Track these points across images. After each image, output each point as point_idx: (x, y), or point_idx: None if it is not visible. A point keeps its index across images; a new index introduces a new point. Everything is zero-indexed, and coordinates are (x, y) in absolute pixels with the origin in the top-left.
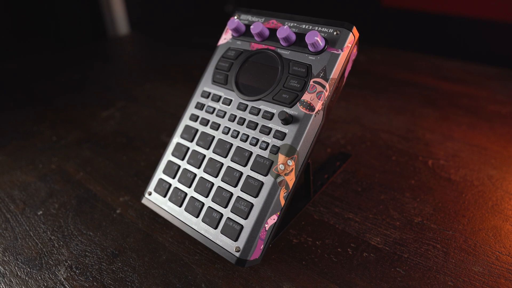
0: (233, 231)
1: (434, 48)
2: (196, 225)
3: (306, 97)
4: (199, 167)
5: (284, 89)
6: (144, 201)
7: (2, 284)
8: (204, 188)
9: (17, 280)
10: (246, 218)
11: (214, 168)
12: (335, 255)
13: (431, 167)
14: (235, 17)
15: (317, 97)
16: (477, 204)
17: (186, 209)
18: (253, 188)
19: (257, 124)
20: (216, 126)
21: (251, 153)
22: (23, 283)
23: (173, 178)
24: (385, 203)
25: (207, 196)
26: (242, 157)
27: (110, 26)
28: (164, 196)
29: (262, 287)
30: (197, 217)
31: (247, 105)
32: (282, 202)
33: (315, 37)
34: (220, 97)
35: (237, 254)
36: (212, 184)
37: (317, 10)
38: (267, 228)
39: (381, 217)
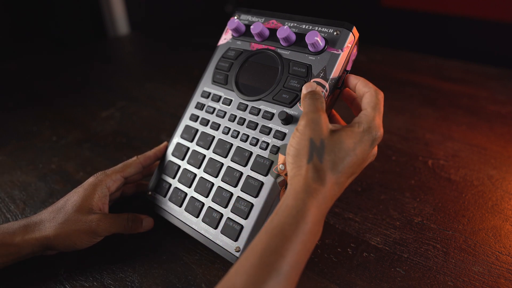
0: (233, 231)
1: (434, 48)
2: (196, 225)
3: None
4: (199, 167)
5: (284, 89)
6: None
7: None
8: (204, 188)
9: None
10: (246, 218)
11: (214, 168)
12: (335, 255)
13: (431, 167)
14: (235, 17)
15: None
16: (477, 204)
17: (186, 209)
18: (253, 188)
19: (257, 124)
20: (216, 126)
21: (251, 153)
22: (23, 283)
23: (173, 178)
24: (385, 203)
25: (207, 196)
26: (242, 157)
27: (110, 26)
28: (164, 196)
29: None
30: (197, 217)
31: (247, 105)
32: None
33: (315, 37)
34: (220, 97)
35: (237, 254)
36: (212, 184)
37: (317, 10)
38: None
39: (381, 217)
